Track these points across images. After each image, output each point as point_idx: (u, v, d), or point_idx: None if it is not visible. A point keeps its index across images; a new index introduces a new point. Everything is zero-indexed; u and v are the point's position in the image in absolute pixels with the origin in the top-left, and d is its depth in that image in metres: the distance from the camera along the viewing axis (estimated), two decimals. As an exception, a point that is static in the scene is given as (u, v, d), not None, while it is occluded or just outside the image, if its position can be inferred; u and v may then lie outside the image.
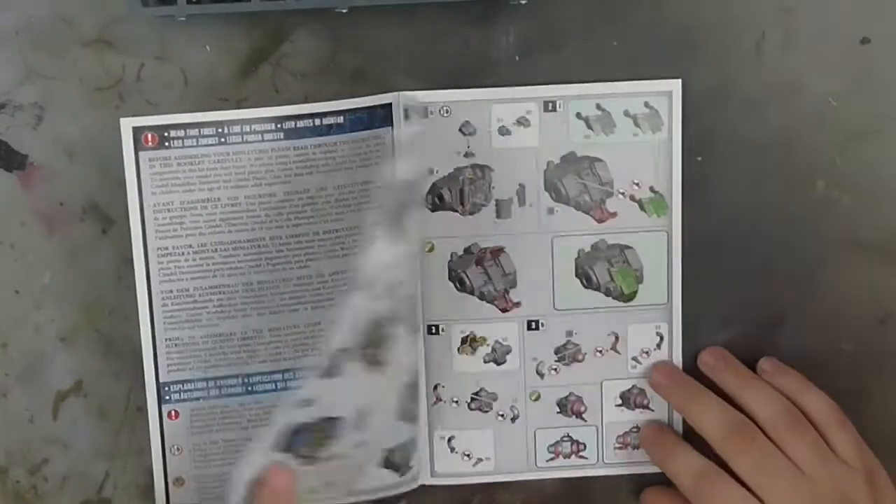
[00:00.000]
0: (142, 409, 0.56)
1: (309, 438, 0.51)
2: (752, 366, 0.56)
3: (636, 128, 0.54)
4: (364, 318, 0.50)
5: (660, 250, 0.55)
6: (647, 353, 0.56)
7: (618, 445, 0.57)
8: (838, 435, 0.51)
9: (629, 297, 0.55)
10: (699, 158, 0.54)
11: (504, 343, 0.56)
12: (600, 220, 0.55)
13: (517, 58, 0.54)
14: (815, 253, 0.55)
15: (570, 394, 0.56)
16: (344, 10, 0.52)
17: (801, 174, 0.55)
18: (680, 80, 0.54)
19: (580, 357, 0.56)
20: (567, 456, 0.57)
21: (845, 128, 0.55)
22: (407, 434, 0.54)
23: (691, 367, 0.56)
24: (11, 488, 0.56)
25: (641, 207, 0.55)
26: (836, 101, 0.55)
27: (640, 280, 0.55)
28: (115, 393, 0.56)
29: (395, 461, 0.55)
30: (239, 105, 0.54)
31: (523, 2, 0.52)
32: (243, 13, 0.53)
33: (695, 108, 0.54)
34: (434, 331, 0.55)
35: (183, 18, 0.52)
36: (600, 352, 0.56)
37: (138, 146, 0.52)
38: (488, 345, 0.56)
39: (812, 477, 0.49)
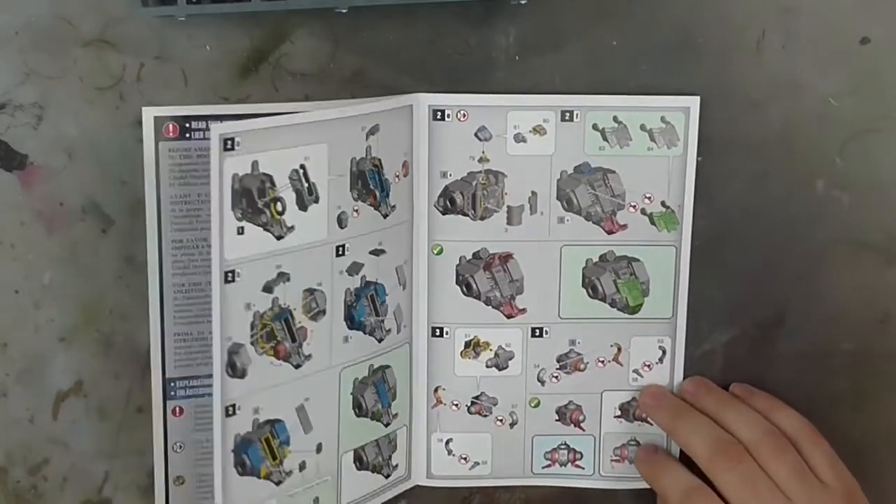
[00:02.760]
0: (142, 409, 0.56)
1: (256, 450, 0.50)
2: (751, 367, 0.56)
3: (651, 142, 0.54)
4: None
5: (667, 265, 0.55)
6: (648, 366, 0.56)
7: (615, 458, 0.57)
8: (814, 453, 0.52)
9: (634, 310, 0.56)
10: (699, 158, 0.54)
11: (507, 349, 0.56)
12: (610, 232, 0.55)
13: (517, 58, 0.54)
14: (815, 253, 0.55)
15: (570, 402, 0.56)
16: (344, 10, 0.52)
17: (801, 174, 0.55)
18: (698, 98, 0.54)
19: (581, 366, 0.56)
20: (563, 464, 0.57)
21: (845, 128, 0.55)
22: (365, 430, 0.54)
23: (694, 373, 0.56)
24: (11, 488, 0.56)
25: (652, 221, 0.55)
26: (836, 101, 0.55)
27: (645, 293, 0.55)
28: (115, 393, 0.56)
29: (369, 461, 0.55)
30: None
31: (523, 2, 0.52)
32: (243, 13, 0.53)
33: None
34: (438, 333, 0.55)
35: (183, 18, 0.52)
36: (602, 362, 0.56)
37: (158, 136, 0.52)
38: (491, 350, 0.56)
39: (793, 499, 0.50)
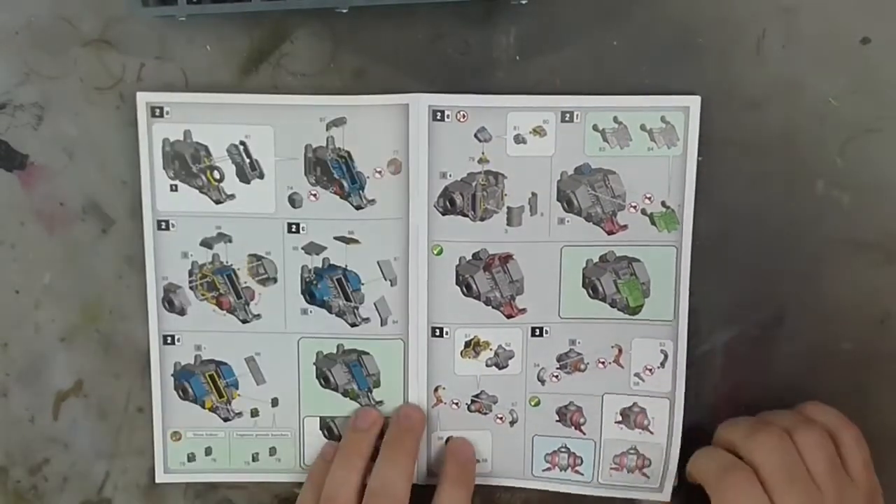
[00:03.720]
0: (142, 409, 0.56)
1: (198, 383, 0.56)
2: (751, 367, 0.56)
3: (651, 142, 0.54)
4: None
5: (668, 265, 0.55)
6: (650, 370, 0.56)
7: (614, 465, 0.56)
8: (852, 451, 0.52)
9: (635, 311, 0.55)
10: (700, 158, 0.54)
11: (507, 348, 0.56)
12: (610, 233, 0.55)
13: (517, 58, 0.54)
14: (815, 253, 0.55)
15: (571, 403, 0.56)
16: (344, 10, 0.52)
17: (802, 174, 0.55)
18: (699, 97, 0.53)
19: (582, 366, 0.56)
20: (563, 468, 0.56)
21: (845, 128, 0.55)
22: (334, 403, 0.56)
23: (694, 373, 0.56)
24: (12, 488, 0.56)
25: (652, 221, 0.54)
26: (836, 101, 0.54)
27: (646, 294, 0.55)
28: (115, 393, 0.56)
29: (341, 434, 0.56)
30: (239, 105, 0.54)
31: (523, 2, 0.52)
32: (243, 13, 0.53)
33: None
34: (438, 333, 0.55)
35: (183, 18, 0.52)
36: (602, 363, 0.56)
37: (151, 121, 0.53)
38: (491, 349, 0.56)
39: (823, 490, 0.50)
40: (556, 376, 0.56)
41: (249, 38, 0.54)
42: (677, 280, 0.55)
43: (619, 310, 0.55)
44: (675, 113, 0.54)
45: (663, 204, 0.54)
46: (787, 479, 0.50)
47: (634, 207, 0.55)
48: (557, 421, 0.56)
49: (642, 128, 0.54)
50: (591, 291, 0.55)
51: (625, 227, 0.55)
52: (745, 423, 0.52)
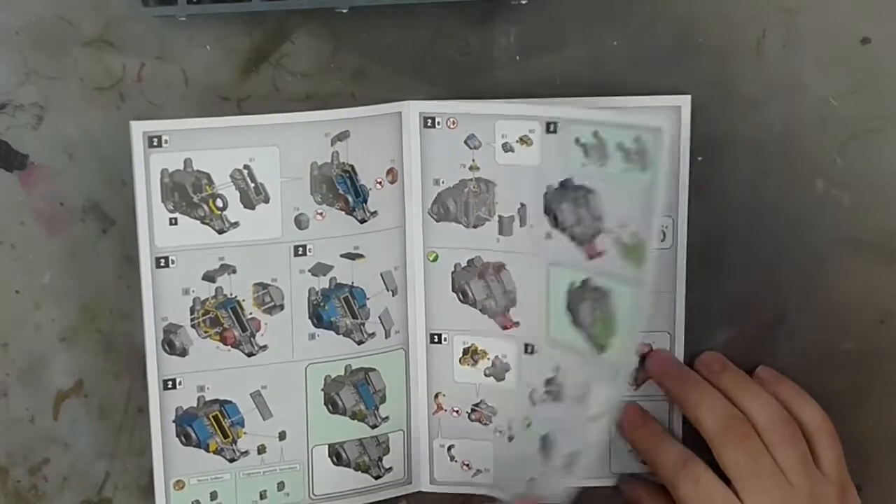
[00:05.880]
0: (142, 409, 0.56)
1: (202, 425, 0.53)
2: (751, 366, 0.56)
3: (627, 163, 0.49)
4: None
5: (632, 307, 0.49)
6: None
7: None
8: (825, 451, 0.52)
9: (601, 349, 0.50)
10: (700, 158, 0.54)
11: (503, 360, 0.55)
12: (590, 257, 0.51)
13: (517, 58, 0.54)
14: (815, 253, 0.55)
15: (549, 433, 0.53)
16: (344, 10, 0.52)
17: (802, 174, 0.55)
18: (668, 121, 0.47)
19: (561, 398, 0.53)
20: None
21: (845, 128, 0.55)
22: (342, 428, 0.55)
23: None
24: (12, 488, 0.56)
25: (624, 253, 0.49)
26: (836, 101, 0.55)
27: (612, 333, 0.50)
28: (115, 393, 0.56)
29: (351, 459, 0.55)
30: (240, 105, 0.54)
31: (523, 2, 0.52)
32: (243, 13, 0.53)
33: (695, 108, 0.54)
34: (437, 340, 0.55)
35: (183, 18, 0.52)
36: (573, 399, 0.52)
37: (147, 150, 0.51)
38: (489, 359, 0.55)
39: (794, 486, 0.50)
40: (545, 400, 0.54)
41: (249, 38, 0.54)
42: (631, 327, 0.49)
43: (592, 345, 0.51)
44: (648, 133, 0.48)
45: (634, 234, 0.48)
46: (754, 473, 0.50)
47: (611, 234, 0.50)
48: (540, 448, 0.53)
49: (619, 146, 0.49)
50: (573, 317, 0.52)
51: (601, 253, 0.50)
52: (720, 414, 0.52)
